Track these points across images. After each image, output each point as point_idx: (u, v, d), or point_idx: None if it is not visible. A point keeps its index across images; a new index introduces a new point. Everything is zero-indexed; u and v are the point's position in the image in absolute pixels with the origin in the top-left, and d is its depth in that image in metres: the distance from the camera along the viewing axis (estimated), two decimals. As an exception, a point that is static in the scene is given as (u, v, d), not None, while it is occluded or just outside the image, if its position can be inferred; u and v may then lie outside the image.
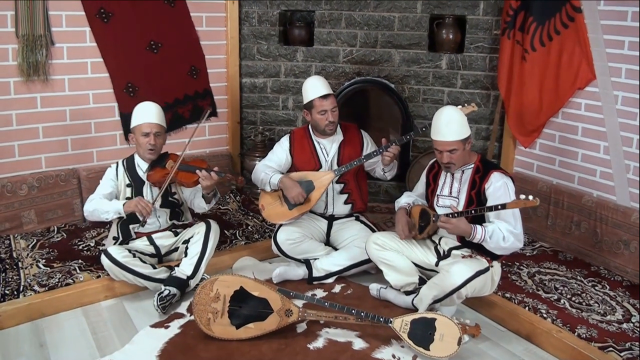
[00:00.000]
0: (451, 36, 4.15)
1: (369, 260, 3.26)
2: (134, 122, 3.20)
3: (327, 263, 3.36)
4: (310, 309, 2.82)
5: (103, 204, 3.14)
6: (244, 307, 2.75)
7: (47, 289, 3.02)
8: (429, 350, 2.61)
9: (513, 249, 2.82)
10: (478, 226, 2.79)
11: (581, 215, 3.53)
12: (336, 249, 3.50)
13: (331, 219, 3.56)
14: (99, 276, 3.18)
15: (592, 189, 3.58)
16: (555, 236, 3.69)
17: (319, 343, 2.75)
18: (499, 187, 2.84)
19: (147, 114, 3.19)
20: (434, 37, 4.20)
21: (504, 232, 2.76)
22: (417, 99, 4.29)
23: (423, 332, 2.64)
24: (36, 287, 3.02)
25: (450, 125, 2.86)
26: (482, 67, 4.12)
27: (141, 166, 3.28)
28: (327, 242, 3.57)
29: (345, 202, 3.53)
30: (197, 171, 3.12)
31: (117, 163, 3.32)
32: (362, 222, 3.57)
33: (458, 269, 2.81)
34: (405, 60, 4.24)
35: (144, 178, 3.25)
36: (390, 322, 2.71)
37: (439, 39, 4.18)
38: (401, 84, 4.29)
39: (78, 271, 3.21)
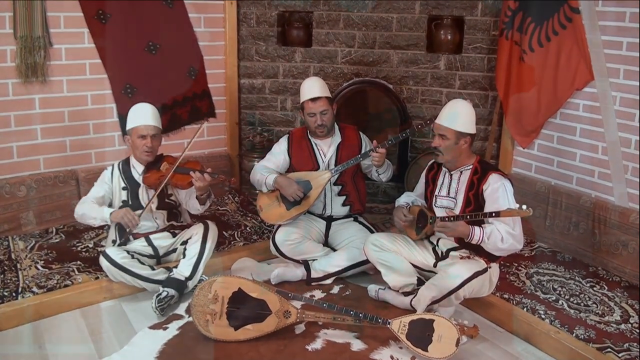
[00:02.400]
0: (449, 37, 4.15)
1: (367, 261, 3.26)
2: (130, 124, 3.20)
3: (326, 264, 3.36)
4: (308, 310, 2.82)
5: (92, 209, 3.13)
6: (243, 308, 2.76)
7: (45, 290, 3.02)
8: (427, 351, 2.61)
9: (512, 250, 2.83)
10: (476, 227, 2.80)
11: (579, 216, 3.53)
12: (335, 250, 3.50)
13: (329, 220, 3.56)
14: (97, 277, 3.18)
15: (590, 189, 3.59)
16: (553, 237, 3.70)
17: (317, 344, 2.75)
18: (496, 189, 2.84)
19: (143, 116, 3.19)
20: (432, 38, 4.20)
21: (502, 233, 2.77)
22: (415, 100, 4.29)
23: (421, 333, 2.64)
24: (35, 289, 3.02)
25: (451, 112, 2.88)
26: (480, 67, 4.12)
27: (137, 168, 3.28)
28: (326, 243, 3.57)
29: (344, 204, 3.53)
30: (191, 173, 3.12)
31: (113, 166, 3.32)
32: (360, 222, 3.58)
33: (456, 270, 2.81)
34: (403, 61, 4.24)
35: (139, 181, 3.25)
36: (389, 323, 2.71)
37: (437, 40, 4.18)
38: (399, 84, 4.29)
39: (76, 272, 3.21)
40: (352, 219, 3.58)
